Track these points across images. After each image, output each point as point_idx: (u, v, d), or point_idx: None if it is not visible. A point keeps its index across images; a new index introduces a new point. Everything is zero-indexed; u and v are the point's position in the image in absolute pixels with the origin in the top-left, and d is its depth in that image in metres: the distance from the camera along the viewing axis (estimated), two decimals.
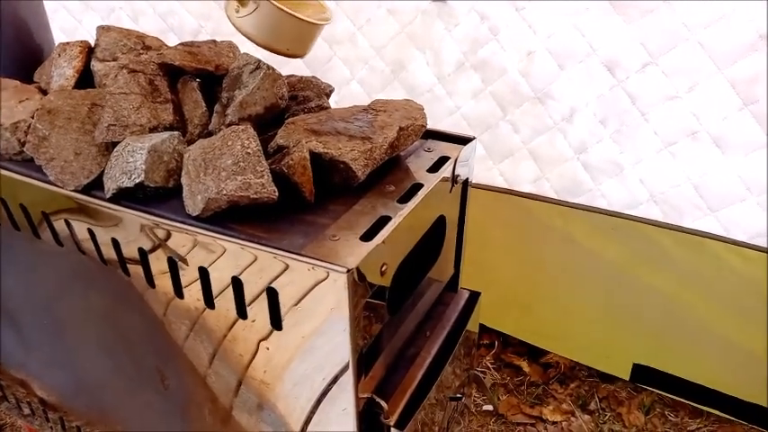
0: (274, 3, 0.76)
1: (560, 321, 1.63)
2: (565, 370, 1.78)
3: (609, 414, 1.66)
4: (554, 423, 1.64)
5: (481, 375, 1.74)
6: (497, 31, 1.41)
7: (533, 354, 1.82)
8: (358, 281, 0.62)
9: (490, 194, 1.54)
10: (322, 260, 0.62)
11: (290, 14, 0.77)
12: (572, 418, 1.65)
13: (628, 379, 1.62)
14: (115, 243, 0.77)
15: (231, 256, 0.68)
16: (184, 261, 0.72)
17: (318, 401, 0.73)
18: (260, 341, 0.73)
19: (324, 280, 0.62)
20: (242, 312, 0.71)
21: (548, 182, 1.47)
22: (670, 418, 1.64)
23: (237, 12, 0.78)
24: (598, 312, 1.56)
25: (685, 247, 1.38)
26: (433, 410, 0.89)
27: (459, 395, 0.99)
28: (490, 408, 1.66)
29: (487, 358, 1.82)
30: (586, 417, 1.65)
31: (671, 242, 1.39)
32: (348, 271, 0.60)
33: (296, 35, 0.81)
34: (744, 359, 1.40)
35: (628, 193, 1.41)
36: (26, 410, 1.28)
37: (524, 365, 1.79)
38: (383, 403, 0.75)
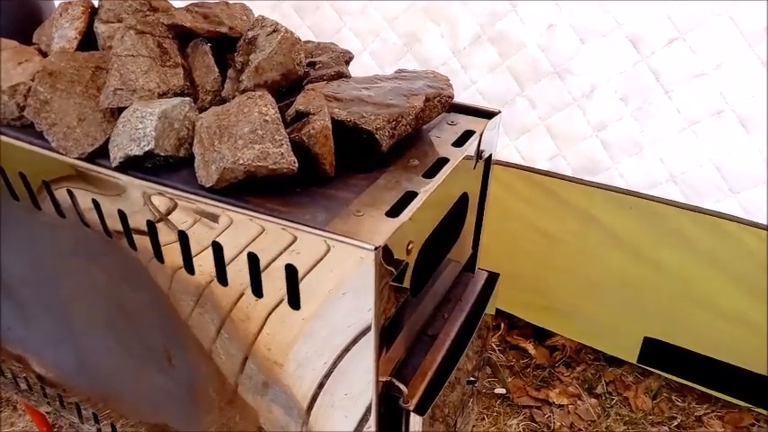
0: None
1: (571, 300, 1.60)
2: (571, 353, 1.76)
3: (616, 398, 1.64)
4: (560, 406, 1.62)
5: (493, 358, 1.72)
6: (516, 2, 1.35)
7: (539, 336, 1.79)
8: (384, 259, 0.58)
9: (505, 170, 1.49)
10: (348, 237, 0.57)
11: None
12: (578, 402, 1.63)
13: (635, 361, 1.60)
14: (121, 215, 0.72)
15: (247, 231, 0.63)
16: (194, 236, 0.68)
17: (334, 384, 0.70)
18: (274, 320, 0.69)
19: (349, 258, 0.58)
20: (257, 290, 0.67)
21: (565, 159, 1.43)
22: (677, 402, 1.63)
23: None
24: (611, 291, 1.53)
25: (704, 228, 1.35)
26: (450, 394, 0.86)
27: (473, 378, 0.96)
28: (503, 391, 1.64)
29: (493, 340, 1.79)
30: (593, 400, 1.63)
31: (689, 223, 1.36)
32: (376, 248, 0.56)
33: None
34: (759, 340, 1.37)
35: (647, 173, 1.37)
36: (23, 386, 1.24)
37: (530, 348, 1.77)
38: (403, 387, 0.71)
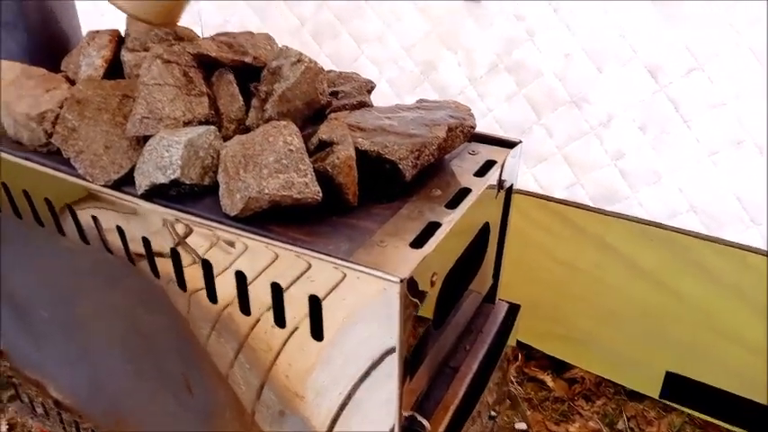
0: None
1: (590, 331, 1.57)
2: (590, 386, 1.72)
3: None
4: None
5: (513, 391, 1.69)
6: (533, 32, 1.36)
7: (558, 368, 1.75)
8: (409, 291, 0.58)
9: (522, 198, 1.48)
10: (373, 268, 0.57)
11: None
12: None
13: (657, 396, 1.56)
14: (145, 242, 0.72)
15: (270, 260, 0.63)
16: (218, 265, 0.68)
17: (352, 415, 0.69)
18: (293, 349, 0.68)
19: (373, 289, 0.58)
20: (280, 320, 0.66)
21: (583, 188, 1.42)
22: None
23: None
24: (631, 322, 1.50)
25: (726, 260, 1.32)
26: (471, 428, 0.84)
27: (494, 413, 0.94)
28: (524, 426, 1.60)
29: (510, 371, 1.76)
30: None
31: (711, 254, 1.33)
32: (401, 281, 0.56)
33: (161, 6, 0.83)
34: None
35: (666, 203, 1.35)
36: (39, 410, 1.24)
37: (549, 380, 1.73)
38: (425, 422, 0.70)
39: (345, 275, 0.59)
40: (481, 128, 0.83)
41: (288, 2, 1.59)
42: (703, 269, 1.34)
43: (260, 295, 0.67)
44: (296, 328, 0.66)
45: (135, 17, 0.83)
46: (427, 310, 0.65)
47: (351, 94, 0.82)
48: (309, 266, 0.61)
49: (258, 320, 0.69)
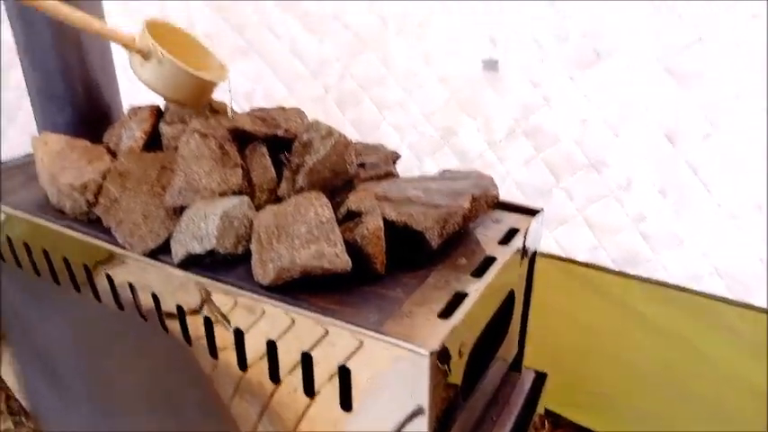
0: (175, 60, 0.84)
1: (615, 396, 1.53)
2: None
3: None
4: None
5: None
6: (550, 98, 1.41)
7: None
8: (439, 363, 0.58)
9: (544, 262, 1.49)
10: (402, 340, 0.58)
11: (188, 71, 0.86)
12: None
13: None
14: (179, 310, 0.74)
15: (301, 330, 0.65)
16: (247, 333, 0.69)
17: None
18: (321, 418, 0.69)
19: (402, 360, 0.58)
20: (310, 390, 0.67)
21: (605, 251, 1.42)
22: None
23: (142, 65, 0.87)
24: (658, 390, 1.46)
25: (753, 324, 1.30)
26: None
27: None
28: None
29: None
30: None
31: (735, 316, 1.31)
32: (431, 353, 0.56)
33: (193, 89, 0.90)
34: None
35: (689, 266, 1.34)
36: None
37: None
38: None
39: (375, 346, 0.60)
40: (501, 191, 0.85)
41: (313, 70, 1.67)
42: (729, 331, 1.32)
43: (288, 363, 0.68)
44: (327, 400, 0.66)
45: (171, 101, 0.91)
46: (454, 377, 0.66)
47: (377, 164, 0.86)
48: (340, 337, 0.62)
49: (290, 391, 0.69)
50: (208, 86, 0.92)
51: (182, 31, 0.97)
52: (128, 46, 0.86)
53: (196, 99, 0.92)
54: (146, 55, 0.85)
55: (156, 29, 0.88)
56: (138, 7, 1.70)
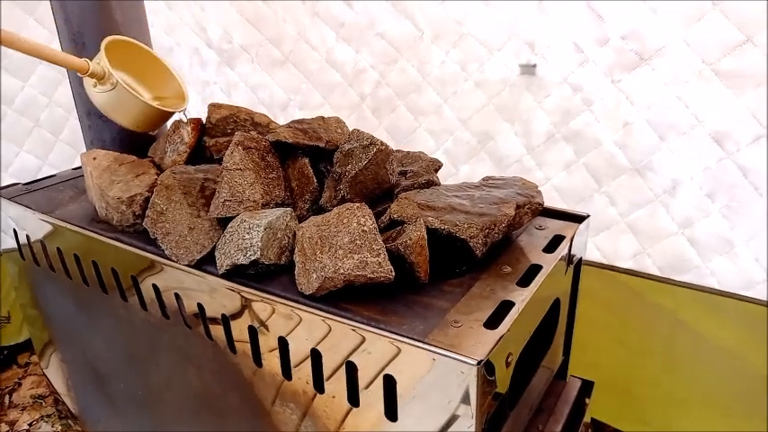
0: (127, 88, 0.86)
1: (664, 410, 1.48)
2: None
3: None
4: None
5: None
6: (591, 102, 1.38)
7: None
8: (486, 373, 0.57)
9: (586, 269, 1.45)
10: (449, 350, 0.57)
11: (140, 99, 0.87)
12: None
13: None
14: (224, 319, 0.75)
15: (345, 339, 0.64)
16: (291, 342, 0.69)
17: None
18: (366, 428, 0.68)
19: (449, 371, 0.58)
20: (354, 399, 0.67)
21: (649, 257, 1.38)
22: None
23: (95, 87, 0.88)
24: (709, 402, 1.41)
25: None
26: None
27: None
28: None
29: None
30: None
31: None
32: (478, 363, 0.56)
33: (146, 117, 0.91)
34: None
35: (740, 272, 1.29)
36: None
37: None
38: None
39: (421, 357, 0.59)
40: None
41: (349, 79, 1.68)
42: None
43: (331, 371, 0.67)
44: (371, 409, 0.66)
45: (124, 126, 0.94)
46: (501, 387, 0.64)
47: (419, 173, 0.85)
48: (385, 347, 0.61)
49: (335, 400, 0.69)
50: (163, 114, 0.94)
51: (147, 52, 0.97)
52: (80, 71, 0.87)
53: (149, 126, 0.94)
54: (100, 78, 0.87)
55: (119, 49, 0.90)
56: (175, 22, 1.75)
